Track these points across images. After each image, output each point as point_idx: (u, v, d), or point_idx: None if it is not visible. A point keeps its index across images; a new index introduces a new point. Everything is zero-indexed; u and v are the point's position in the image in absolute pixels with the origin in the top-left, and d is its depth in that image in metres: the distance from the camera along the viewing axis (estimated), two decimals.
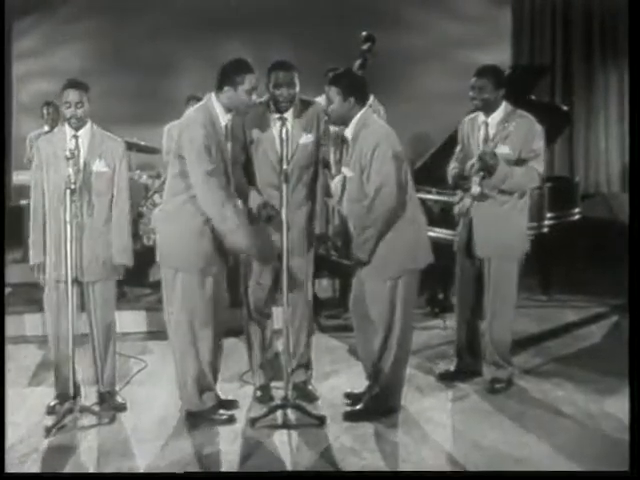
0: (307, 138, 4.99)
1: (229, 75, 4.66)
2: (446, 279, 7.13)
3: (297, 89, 4.91)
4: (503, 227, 5.20)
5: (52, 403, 5.04)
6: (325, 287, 7.45)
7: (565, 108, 7.56)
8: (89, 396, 5.10)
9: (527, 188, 5.24)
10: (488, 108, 5.18)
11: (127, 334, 6.35)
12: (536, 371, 5.63)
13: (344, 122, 4.75)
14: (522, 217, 5.30)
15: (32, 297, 6.26)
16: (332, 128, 5.07)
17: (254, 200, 4.92)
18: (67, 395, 4.83)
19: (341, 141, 4.82)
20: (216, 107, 4.69)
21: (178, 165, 4.69)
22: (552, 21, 9.90)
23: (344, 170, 4.79)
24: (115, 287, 5.12)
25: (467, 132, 5.35)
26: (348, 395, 5.13)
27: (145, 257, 6.55)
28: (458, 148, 5.48)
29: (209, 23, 9.30)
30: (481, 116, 5.25)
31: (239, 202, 4.80)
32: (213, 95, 4.72)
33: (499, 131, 5.15)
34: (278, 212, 4.78)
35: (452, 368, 5.54)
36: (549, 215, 6.97)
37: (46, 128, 8.07)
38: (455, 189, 5.51)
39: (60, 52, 9.84)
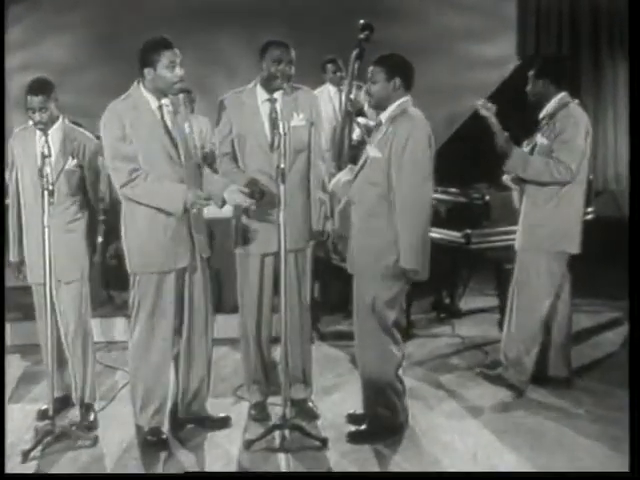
0: (299, 119, 4.65)
1: (145, 55, 4.32)
2: (452, 283, 6.84)
3: (293, 70, 4.60)
4: (538, 223, 5.00)
5: (43, 407, 4.73)
6: (323, 290, 7.02)
7: (576, 101, 7.16)
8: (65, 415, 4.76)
9: (554, 180, 4.92)
10: (538, 102, 5.07)
11: (112, 343, 5.98)
12: (552, 384, 5.22)
13: (383, 106, 4.41)
14: (559, 211, 4.98)
15: (15, 302, 5.86)
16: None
17: (239, 179, 4.57)
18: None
19: (376, 125, 4.47)
20: (142, 93, 4.34)
21: None
22: (559, 12, 9.57)
23: (369, 149, 4.41)
24: (87, 289, 4.76)
25: None
26: (351, 417, 4.73)
27: None
28: None
29: (201, 13, 9.03)
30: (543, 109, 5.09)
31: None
32: (139, 83, 4.37)
33: (547, 123, 5.00)
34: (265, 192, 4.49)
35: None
36: None
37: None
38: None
39: (48, 43, 9.58)
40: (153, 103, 4.35)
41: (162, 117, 4.36)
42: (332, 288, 6.98)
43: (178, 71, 4.31)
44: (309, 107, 4.69)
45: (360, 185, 4.41)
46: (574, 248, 5.07)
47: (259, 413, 4.79)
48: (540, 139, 4.99)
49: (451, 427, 4.67)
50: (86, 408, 4.76)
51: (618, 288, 6.94)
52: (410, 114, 4.33)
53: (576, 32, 9.57)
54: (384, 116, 4.39)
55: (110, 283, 6.83)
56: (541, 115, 5.07)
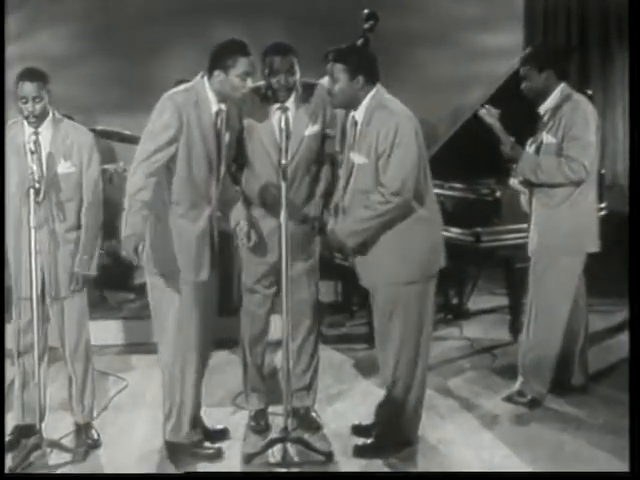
0: (313, 128, 4.34)
1: (220, 57, 4.03)
2: (460, 282, 6.60)
3: (297, 76, 4.27)
4: (552, 224, 4.73)
5: (9, 438, 4.36)
6: (326, 290, 6.75)
7: (589, 92, 6.92)
8: (56, 426, 4.44)
9: (565, 180, 4.64)
10: (538, 96, 4.75)
11: (106, 347, 5.71)
12: (569, 392, 4.96)
13: (351, 105, 4.09)
14: (574, 211, 4.71)
15: None
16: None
17: (253, 183, 4.35)
18: (31, 427, 4.19)
19: (351, 125, 4.14)
20: (207, 91, 4.06)
21: None
22: (567, 1, 9.26)
23: (353, 157, 4.10)
24: (86, 300, 4.40)
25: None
26: (356, 429, 4.46)
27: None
28: None
29: (199, 4, 8.70)
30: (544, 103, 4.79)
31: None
32: (205, 78, 4.09)
33: (550, 119, 4.70)
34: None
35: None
36: None
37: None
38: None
39: (43, 35, 9.25)
40: (214, 105, 4.07)
41: (216, 123, 4.09)
42: (335, 288, 6.76)
43: (249, 83, 4.07)
44: (324, 109, 4.36)
45: (352, 195, 4.12)
46: (593, 246, 4.83)
47: (259, 424, 4.53)
48: (546, 137, 4.70)
49: (464, 440, 4.42)
50: (85, 427, 4.45)
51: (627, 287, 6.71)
52: (390, 108, 4.02)
53: (585, 22, 9.28)
54: (358, 115, 4.08)
55: (104, 283, 6.56)
56: (542, 109, 4.78)
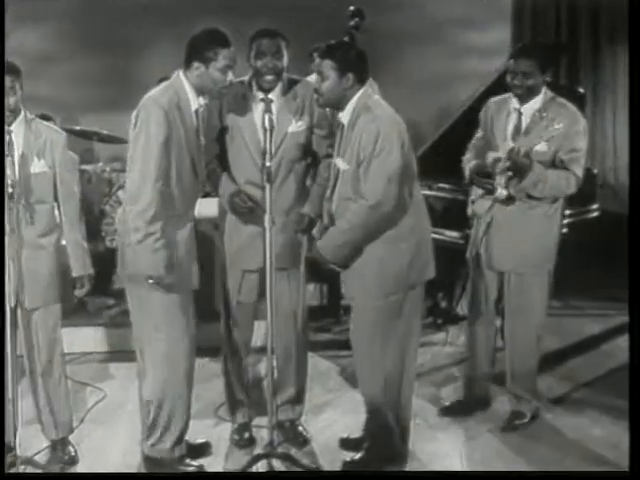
0: (298, 125, 4.12)
1: (199, 49, 3.82)
2: (449, 286, 6.42)
3: (285, 61, 4.04)
4: (529, 236, 4.39)
5: None
6: (312, 293, 6.56)
7: (581, 91, 6.76)
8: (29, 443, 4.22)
9: (562, 195, 4.42)
10: (526, 95, 4.36)
11: (84, 355, 5.51)
12: (565, 401, 4.83)
13: (338, 104, 3.88)
14: (553, 224, 4.48)
15: None
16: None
17: (225, 188, 4.11)
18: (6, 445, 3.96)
19: (338, 128, 3.95)
20: (185, 88, 3.85)
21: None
22: None
23: (337, 162, 3.91)
24: (59, 308, 4.18)
25: (491, 118, 4.51)
26: (345, 442, 4.27)
27: (108, 261, 5.64)
28: (479, 134, 4.65)
29: (182, 3, 8.55)
30: (513, 101, 4.42)
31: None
32: (181, 73, 3.88)
33: (535, 123, 4.33)
34: (256, 203, 3.97)
35: (459, 399, 4.75)
36: (567, 212, 6.18)
37: None
38: (470, 185, 4.66)
39: (23, 32, 9.07)
40: (193, 103, 3.87)
41: (197, 123, 3.89)
42: (320, 291, 6.56)
43: (230, 76, 3.85)
44: (310, 105, 4.12)
45: (338, 202, 3.93)
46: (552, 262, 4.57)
47: (243, 438, 4.33)
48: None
49: (458, 453, 4.25)
50: (61, 442, 4.23)
51: (622, 289, 6.55)
52: (374, 112, 3.81)
53: (574, 19, 9.17)
54: (344, 117, 3.87)
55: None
56: (526, 109, 4.41)
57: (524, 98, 4.35)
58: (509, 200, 4.34)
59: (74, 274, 4.12)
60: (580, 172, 4.33)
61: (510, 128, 4.39)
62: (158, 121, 3.75)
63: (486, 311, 4.61)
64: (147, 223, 3.75)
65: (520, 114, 4.37)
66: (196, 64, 3.81)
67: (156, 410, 3.99)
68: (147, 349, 3.99)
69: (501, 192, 4.32)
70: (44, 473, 3.98)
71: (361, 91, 3.85)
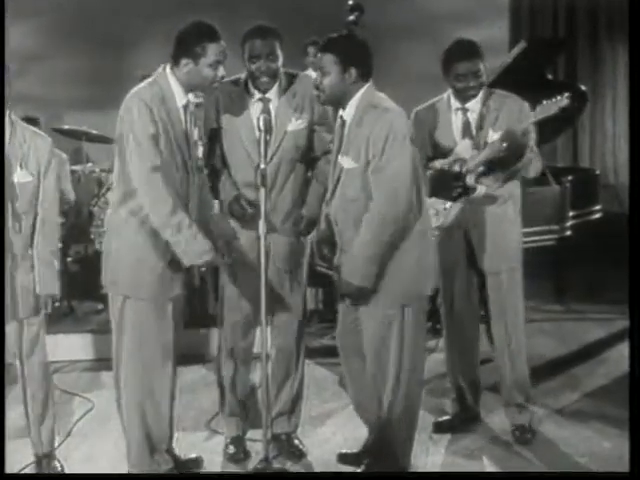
0: (297, 123, 3.95)
1: (187, 44, 3.64)
2: None
3: (280, 62, 3.88)
4: (508, 232, 4.30)
5: None
6: (307, 298, 6.40)
7: (583, 88, 6.62)
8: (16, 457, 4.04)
9: (533, 176, 4.35)
10: (476, 93, 4.23)
11: (72, 362, 5.35)
12: (568, 411, 4.64)
13: (340, 102, 3.68)
14: (517, 224, 4.37)
15: None
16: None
17: (225, 192, 3.98)
18: None
19: (339, 126, 3.74)
20: (171, 84, 3.68)
21: (119, 161, 3.71)
22: None
23: (341, 160, 3.68)
24: (43, 317, 3.98)
25: (429, 126, 4.29)
26: (343, 458, 4.08)
27: (96, 264, 5.49)
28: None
29: None
30: (452, 102, 4.26)
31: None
32: (168, 69, 3.70)
33: (484, 116, 4.19)
34: (256, 207, 3.76)
35: (450, 414, 4.56)
36: (570, 214, 6.08)
37: None
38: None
39: (8, 31, 8.94)
40: (180, 99, 3.69)
41: (185, 119, 3.72)
42: (316, 295, 6.39)
43: (221, 71, 3.67)
44: (310, 102, 3.95)
45: (339, 204, 3.72)
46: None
47: (236, 451, 4.15)
48: (492, 134, 4.21)
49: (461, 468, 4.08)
50: (47, 457, 4.04)
51: (624, 292, 6.40)
52: (382, 107, 3.61)
53: (572, 15, 9.15)
54: (348, 114, 3.66)
55: (71, 292, 6.17)
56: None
57: (469, 97, 4.21)
58: (486, 198, 4.20)
59: (37, 291, 3.88)
60: (536, 150, 4.26)
61: (458, 127, 4.24)
62: (143, 116, 3.59)
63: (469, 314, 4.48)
64: (170, 214, 3.60)
65: (465, 111, 4.23)
66: (184, 61, 3.64)
67: (138, 423, 3.83)
68: (122, 357, 3.83)
69: (480, 189, 4.16)
70: (44, 473, 3.89)
71: (365, 87, 3.64)
